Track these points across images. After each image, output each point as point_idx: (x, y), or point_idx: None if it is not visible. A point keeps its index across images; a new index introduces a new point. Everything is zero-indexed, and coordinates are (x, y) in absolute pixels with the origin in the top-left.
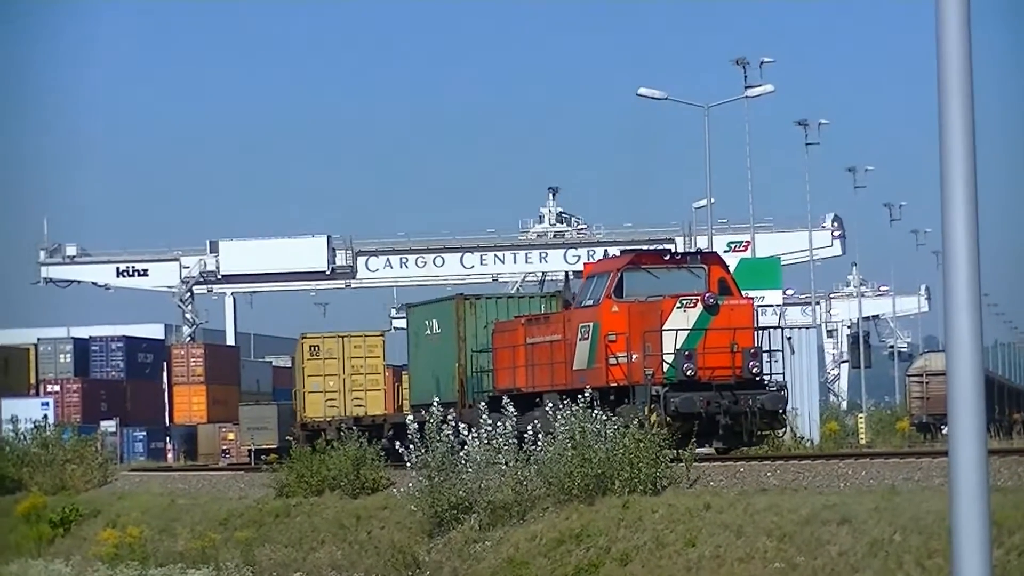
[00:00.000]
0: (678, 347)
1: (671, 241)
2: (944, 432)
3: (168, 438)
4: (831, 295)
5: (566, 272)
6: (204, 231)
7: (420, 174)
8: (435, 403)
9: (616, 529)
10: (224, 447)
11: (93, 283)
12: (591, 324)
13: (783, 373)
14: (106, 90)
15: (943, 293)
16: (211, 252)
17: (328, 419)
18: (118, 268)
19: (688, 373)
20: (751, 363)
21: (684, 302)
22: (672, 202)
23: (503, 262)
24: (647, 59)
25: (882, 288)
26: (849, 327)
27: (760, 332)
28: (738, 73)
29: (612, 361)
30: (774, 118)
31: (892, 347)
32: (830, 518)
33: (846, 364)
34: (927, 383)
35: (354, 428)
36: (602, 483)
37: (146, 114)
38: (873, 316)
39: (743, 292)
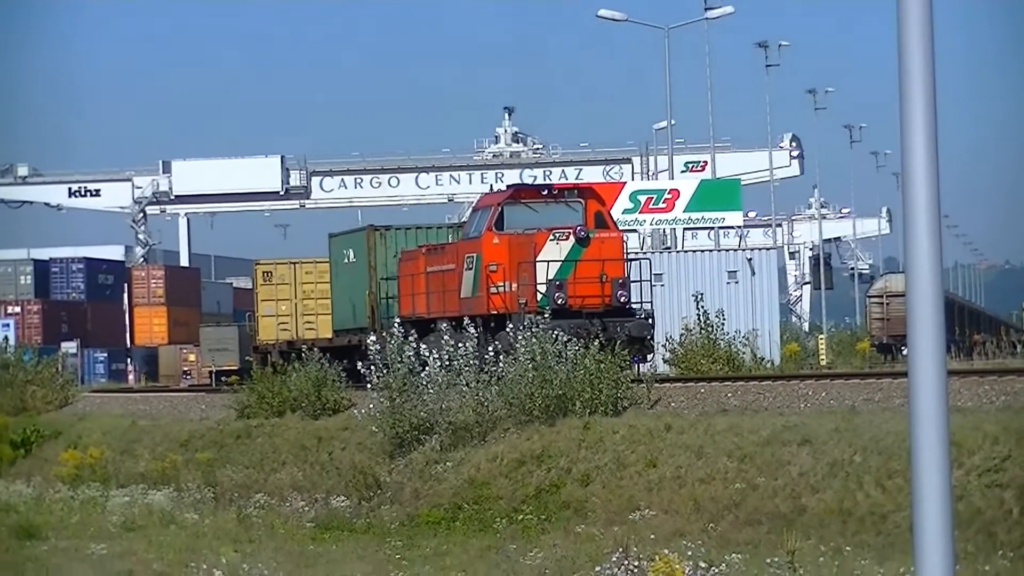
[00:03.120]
0: (550, 277)
1: (628, 161)
2: (904, 353)
3: (129, 359)
4: (793, 217)
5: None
6: (157, 151)
7: (377, 96)
8: (396, 324)
9: (577, 450)
10: (185, 368)
11: (45, 203)
12: (475, 255)
13: (651, 302)
14: (57, 9)
15: (903, 215)
16: (164, 172)
17: (281, 342)
18: (70, 188)
19: (559, 302)
20: (619, 292)
21: (557, 235)
22: (629, 122)
23: (458, 182)
24: None
25: (843, 210)
26: (811, 249)
27: (630, 263)
28: None
29: (493, 290)
30: (734, 40)
31: (853, 269)
32: (790, 439)
33: (808, 286)
34: (887, 304)
35: (301, 350)
36: (563, 404)
37: (100, 32)
38: (835, 238)
39: (704, 212)
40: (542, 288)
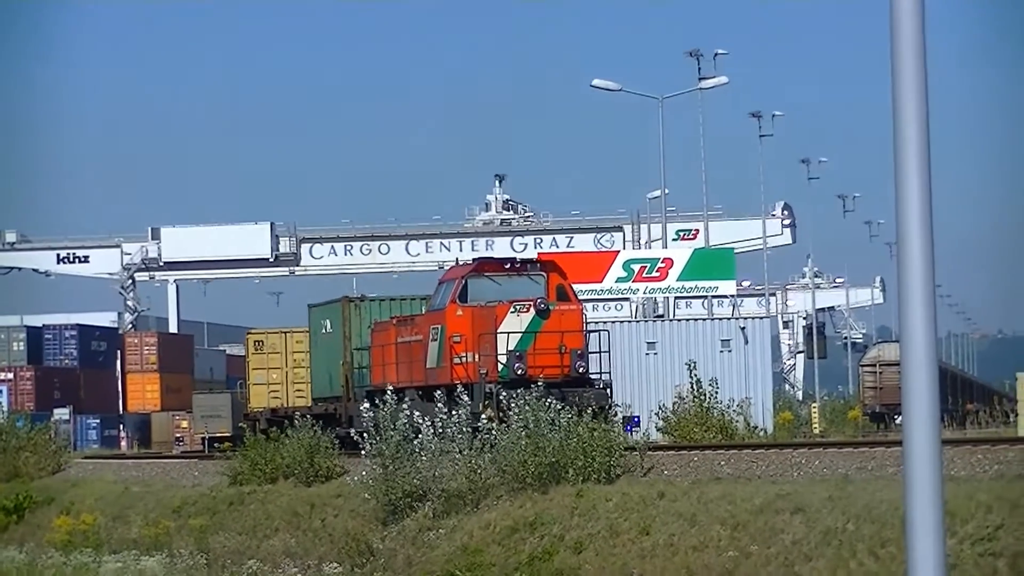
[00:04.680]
0: (511, 348)
1: (619, 229)
2: (897, 422)
3: (122, 426)
4: (787, 286)
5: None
6: (146, 218)
7: (367, 163)
8: (388, 391)
9: (570, 517)
10: (178, 435)
11: (34, 270)
12: (440, 326)
13: (609, 372)
14: (43, 76)
15: (897, 284)
16: (153, 239)
17: (271, 409)
18: (59, 255)
19: (519, 372)
20: (578, 363)
21: (518, 307)
22: (620, 190)
23: (449, 249)
24: (601, 51)
25: (837, 280)
26: (805, 318)
27: (588, 335)
28: (692, 65)
29: (456, 360)
30: (728, 110)
31: (847, 338)
32: (784, 507)
33: (802, 355)
34: (880, 373)
35: (284, 418)
36: (556, 472)
37: (86, 99)
38: (829, 307)
39: (698, 281)
40: (503, 359)
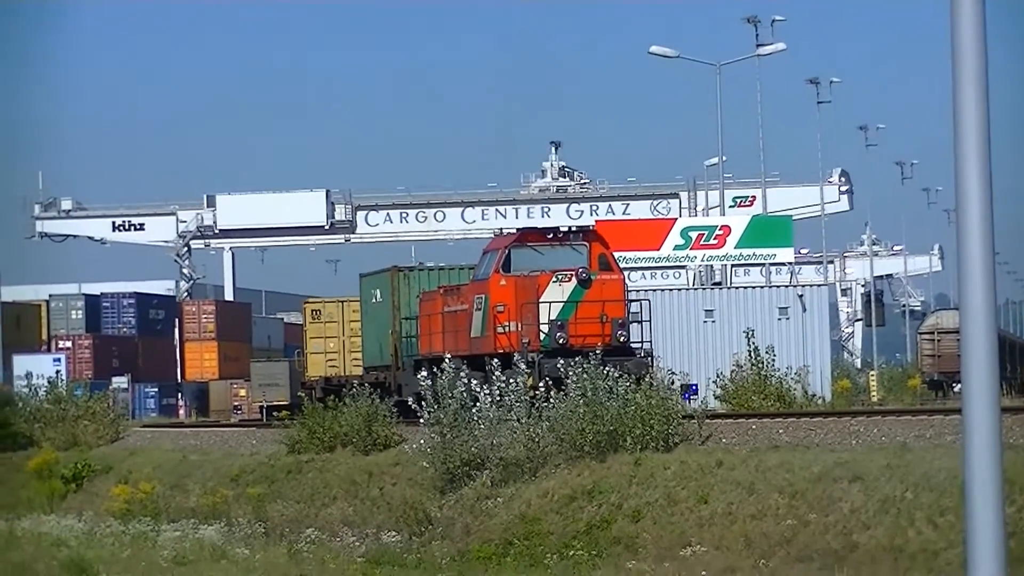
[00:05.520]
0: (552, 318)
1: (675, 196)
2: (956, 390)
3: (180, 394)
4: (845, 254)
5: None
6: (201, 185)
7: (423, 129)
8: (447, 360)
9: (628, 486)
10: (236, 403)
11: (89, 237)
12: (483, 296)
13: (650, 341)
14: (100, 43)
15: (957, 252)
16: (208, 206)
17: (325, 378)
18: (114, 222)
19: (560, 341)
20: (619, 332)
21: (560, 277)
22: (676, 157)
23: (504, 217)
24: (658, 16)
25: (895, 247)
26: (863, 286)
27: (630, 304)
28: (750, 31)
29: (500, 330)
30: (786, 76)
31: (905, 306)
32: (842, 475)
33: (860, 323)
34: (938, 341)
35: (340, 386)
36: (614, 440)
37: (142, 67)
38: (887, 275)
39: (756, 248)
40: (545, 328)
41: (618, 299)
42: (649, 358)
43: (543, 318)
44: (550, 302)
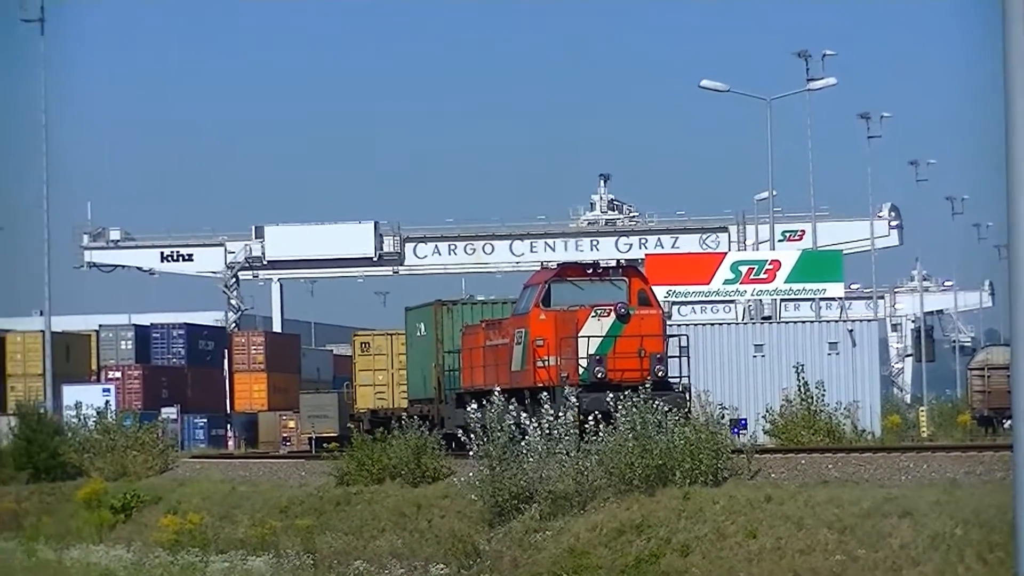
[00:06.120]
0: (591, 352)
1: (724, 230)
2: (1006, 426)
3: (229, 425)
4: (895, 289)
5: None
6: (249, 216)
7: (471, 161)
8: (496, 393)
9: (677, 520)
10: (284, 435)
11: (138, 268)
12: (523, 330)
13: (688, 376)
14: (150, 75)
15: (1008, 288)
16: (256, 237)
17: (371, 410)
18: (162, 253)
19: (599, 376)
20: (657, 367)
21: (598, 311)
22: (726, 190)
23: (553, 250)
24: (708, 51)
25: (946, 283)
26: (913, 321)
27: (668, 339)
28: (800, 65)
29: (539, 364)
30: (836, 110)
31: (955, 341)
32: (891, 511)
33: (910, 358)
34: (988, 377)
35: (387, 419)
36: (663, 474)
37: (191, 98)
38: (937, 311)
39: (806, 283)
40: (583, 362)
41: (656, 334)
42: (687, 393)
43: (582, 352)
44: (589, 336)
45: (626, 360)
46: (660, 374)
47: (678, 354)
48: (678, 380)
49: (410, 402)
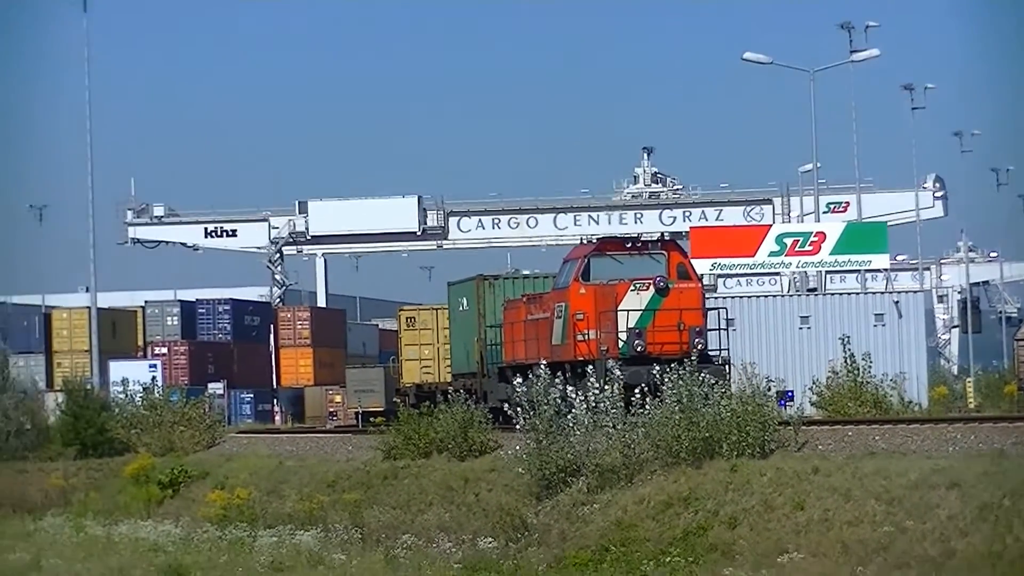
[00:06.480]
0: (630, 326)
1: (768, 202)
2: None
3: (275, 400)
4: (941, 260)
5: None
6: (292, 191)
7: (514, 134)
8: (543, 366)
9: (724, 492)
10: (331, 409)
11: (181, 244)
12: (563, 304)
13: (727, 349)
14: (189, 48)
15: None
16: (300, 212)
17: (416, 384)
18: (206, 228)
19: (638, 349)
20: (696, 340)
21: (638, 285)
22: (769, 162)
23: (597, 223)
24: (750, 22)
25: (991, 254)
26: (959, 292)
27: (707, 312)
28: (843, 37)
29: (579, 337)
30: (879, 81)
31: (1001, 312)
32: (939, 482)
33: (956, 329)
34: None
35: (434, 393)
36: (710, 446)
37: (233, 72)
38: (983, 281)
39: (851, 255)
40: (623, 336)
41: (695, 307)
42: (726, 366)
43: (621, 326)
44: (628, 310)
45: (665, 333)
46: (699, 347)
47: (717, 327)
48: (717, 353)
49: (453, 376)
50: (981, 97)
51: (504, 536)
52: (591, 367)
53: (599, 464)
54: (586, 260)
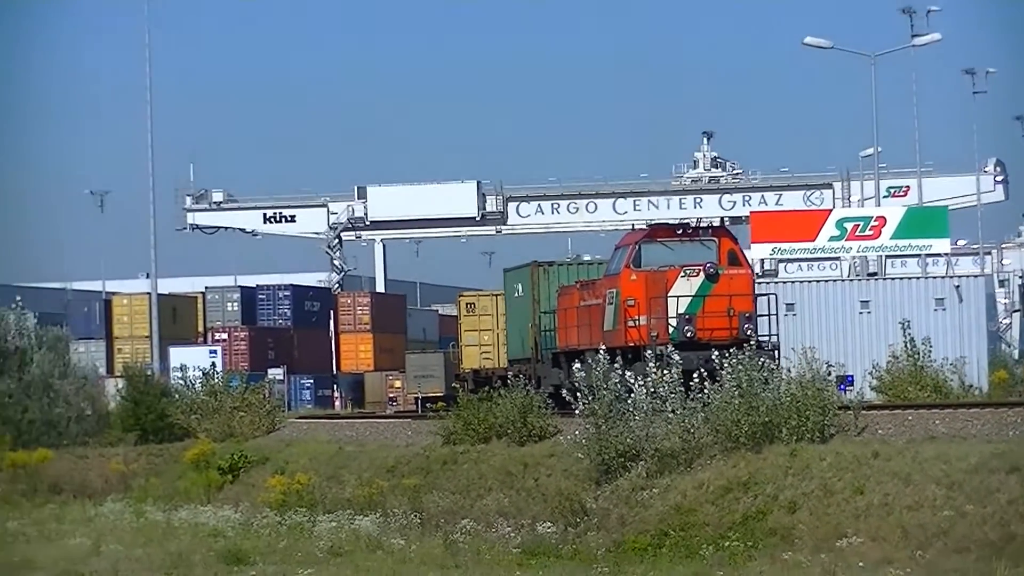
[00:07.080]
0: (681, 312)
1: (828, 186)
2: None
3: (335, 386)
4: (1003, 245)
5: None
6: (351, 176)
7: (573, 119)
8: (600, 351)
9: (784, 477)
10: (391, 395)
11: (240, 229)
12: (615, 290)
13: (777, 335)
14: (248, 34)
15: None
16: (359, 198)
17: (474, 370)
18: (265, 214)
19: (688, 335)
20: (746, 326)
21: (688, 271)
22: (829, 147)
23: (657, 208)
24: (810, 6)
25: None
26: (1021, 277)
27: (758, 298)
28: (904, 21)
29: (630, 323)
30: (940, 65)
31: None
32: (999, 466)
33: (1018, 314)
34: None
35: (491, 378)
36: (769, 431)
37: (289, 56)
38: None
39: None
40: (673, 322)
41: (745, 293)
42: (776, 351)
43: (672, 312)
44: (678, 296)
45: (715, 319)
46: (749, 333)
47: (767, 312)
48: (767, 339)
49: (510, 362)
50: None
51: (563, 521)
52: (648, 352)
53: (658, 449)
54: (637, 247)
